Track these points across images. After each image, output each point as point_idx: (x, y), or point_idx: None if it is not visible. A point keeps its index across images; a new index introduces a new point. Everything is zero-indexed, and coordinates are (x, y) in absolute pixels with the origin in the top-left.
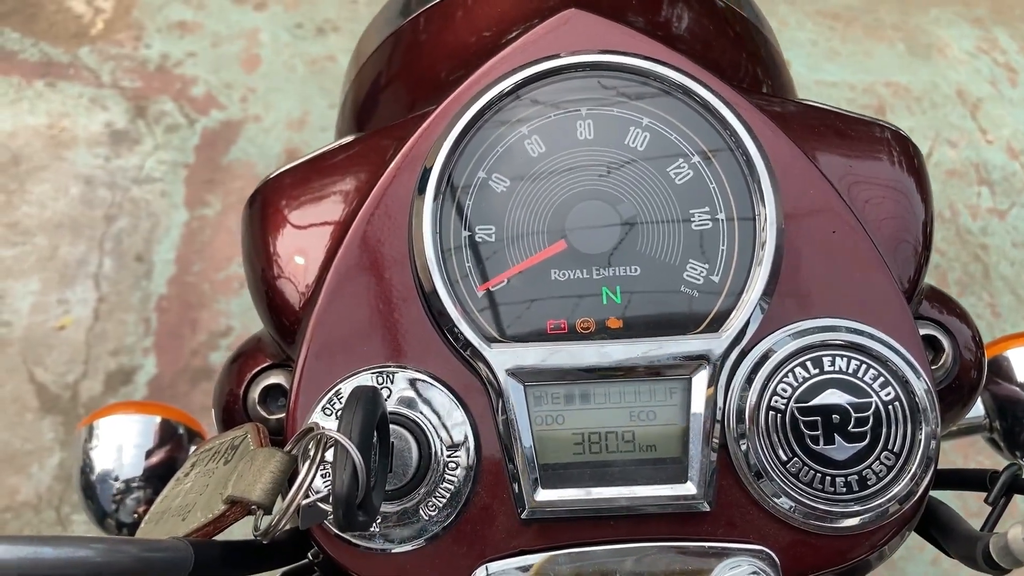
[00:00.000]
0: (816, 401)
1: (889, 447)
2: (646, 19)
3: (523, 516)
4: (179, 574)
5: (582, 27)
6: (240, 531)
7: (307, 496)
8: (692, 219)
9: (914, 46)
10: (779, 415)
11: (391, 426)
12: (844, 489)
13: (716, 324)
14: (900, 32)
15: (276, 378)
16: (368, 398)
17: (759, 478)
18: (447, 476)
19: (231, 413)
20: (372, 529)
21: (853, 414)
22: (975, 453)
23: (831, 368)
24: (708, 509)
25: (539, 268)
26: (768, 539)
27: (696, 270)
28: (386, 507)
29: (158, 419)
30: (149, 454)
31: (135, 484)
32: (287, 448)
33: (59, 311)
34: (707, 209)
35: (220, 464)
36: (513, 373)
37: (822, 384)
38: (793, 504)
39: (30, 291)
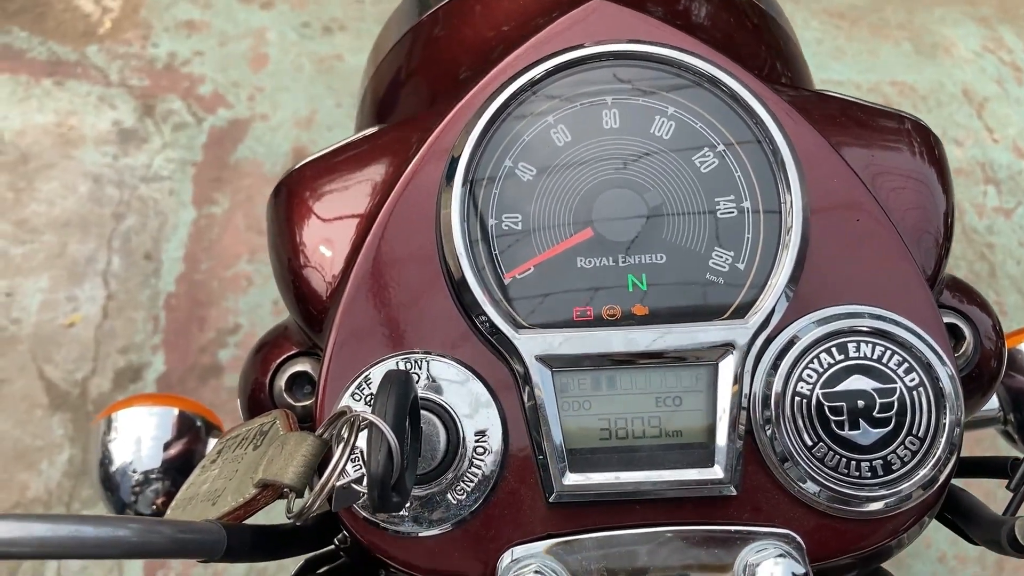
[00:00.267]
0: (841, 387)
1: (914, 432)
2: (667, 10)
3: (551, 500)
4: (212, 555)
5: (608, 17)
6: (263, 518)
7: (341, 478)
8: (717, 207)
9: (920, 45)
10: (804, 400)
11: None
12: (869, 474)
13: (742, 311)
14: (906, 31)
15: (302, 366)
16: (401, 382)
17: (784, 463)
18: (475, 461)
19: (257, 401)
20: (401, 513)
21: (878, 400)
22: (984, 451)
23: (856, 354)
24: (734, 493)
25: (565, 256)
26: (793, 523)
27: (721, 258)
28: (415, 491)
29: (176, 411)
30: (167, 446)
31: (154, 476)
32: (318, 432)
33: (68, 308)
34: (732, 197)
35: (249, 450)
36: (541, 359)
37: (847, 370)
38: (819, 488)
39: (39, 289)
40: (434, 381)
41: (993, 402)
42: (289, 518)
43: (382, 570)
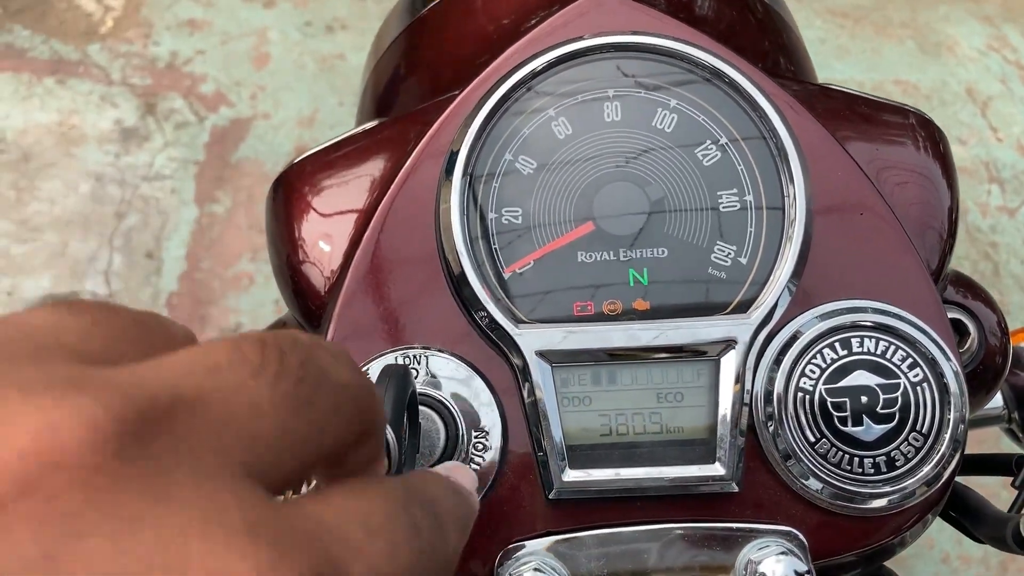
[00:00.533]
0: (844, 382)
1: (918, 428)
2: (670, 3)
3: (550, 497)
4: None
5: (609, 9)
6: None
7: None
8: (720, 201)
9: (924, 44)
10: (807, 396)
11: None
12: (872, 470)
13: (744, 306)
14: (909, 30)
15: None
16: (399, 376)
17: (787, 459)
18: (474, 457)
19: None
20: None
21: (881, 395)
22: (988, 450)
23: (859, 349)
24: (737, 490)
25: (566, 250)
26: (796, 520)
27: (724, 252)
28: None
29: None
30: None
31: None
32: None
33: None
34: (735, 191)
35: None
36: (541, 354)
37: (850, 365)
38: (821, 485)
39: (41, 287)
40: (433, 377)
41: (998, 400)
42: None
43: None
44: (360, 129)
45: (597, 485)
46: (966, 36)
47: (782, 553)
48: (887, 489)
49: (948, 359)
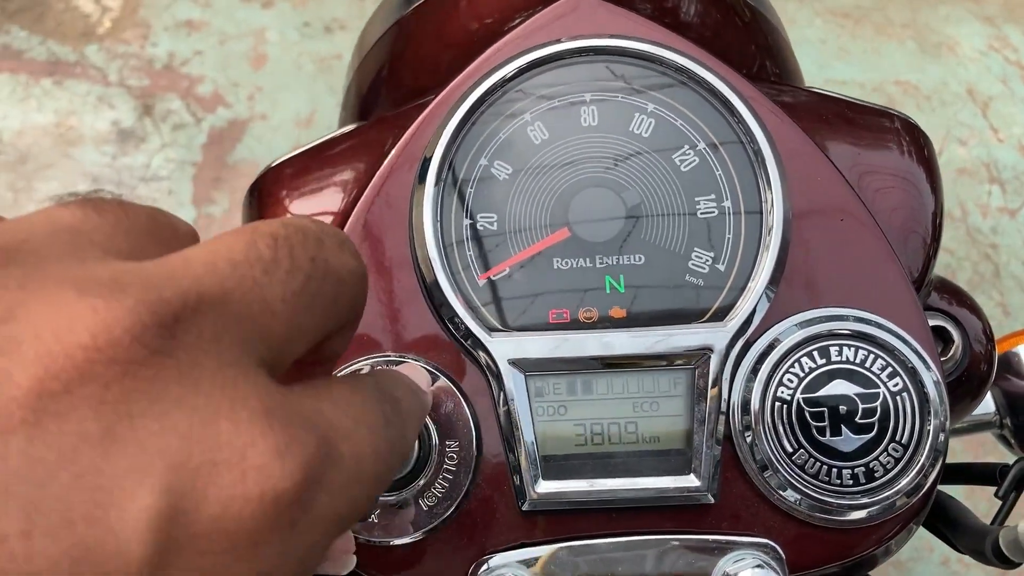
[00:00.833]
0: (823, 392)
1: (897, 439)
2: (653, 6)
3: (524, 508)
4: None
5: (588, 13)
6: None
7: None
8: (698, 207)
9: (924, 44)
10: (785, 406)
11: None
12: (851, 481)
13: (721, 314)
14: (910, 30)
15: None
16: None
17: (764, 470)
18: (446, 467)
19: None
20: (371, 520)
21: (860, 405)
22: (984, 455)
23: (838, 358)
24: (712, 501)
25: (542, 257)
26: (773, 532)
27: (701, 259)
28: (385, 498)
29: None
30: None
31: None
32: None
33: None
34: (713, 197)
35: None
36: (514, 363)
37: (829, 374)
38: (799, 496)
39: None
40: None
41: (990, 405)
42: None
43: None
44: (338, 133)
45: (570, 497)
46: (967, 36)
47: (758, 566)
48: (866, 500)
49: (928, 368)
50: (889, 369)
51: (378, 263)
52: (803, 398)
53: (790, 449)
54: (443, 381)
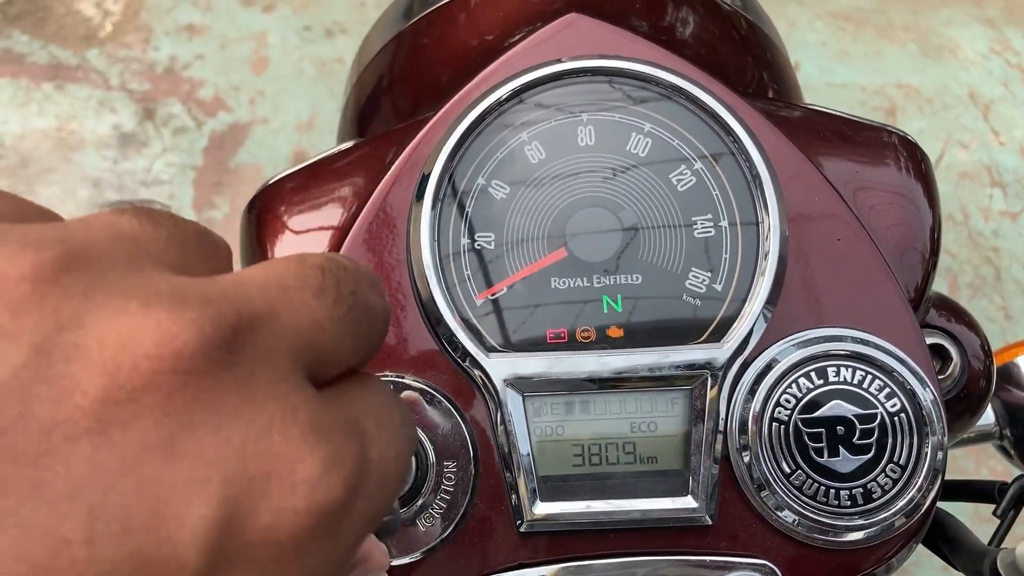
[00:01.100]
0: (820, 412)
1: (895, 459)
2: (650, 23)
3: (522, 529)
4: None
5: (584, 31)
6: None
7: None
8: (695, 226)
9: (925, 47)
10: (782, 426)
11: None
12: (849, 502)
13: (719, 333)
14: (911, 33)
15: None
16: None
17: (762, 491)
18: (444, 488)
19: None
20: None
21: (858, 425)
22: (986, 458)
23: (836, 379)
24: (710, 523)
25: (539, 276)
26: (771, 553)
27: (698, 278)
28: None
29: None
30: None
31: None
32: None
33: None
34: (710, 216)
35: None
36: (511, 383)
37: (827, 395)
38: (796, 517)
39: None
40: None
41: (990, 417)
42: None
43: None
44: (336, 149)
45: (568, 519)
46: (968, 39)
47: None
48: (864, 521)
49: (926, 387)
50: (887, 390)
51: None
52: (801, 418)
53: (788, 469)
54: (441, 400)
